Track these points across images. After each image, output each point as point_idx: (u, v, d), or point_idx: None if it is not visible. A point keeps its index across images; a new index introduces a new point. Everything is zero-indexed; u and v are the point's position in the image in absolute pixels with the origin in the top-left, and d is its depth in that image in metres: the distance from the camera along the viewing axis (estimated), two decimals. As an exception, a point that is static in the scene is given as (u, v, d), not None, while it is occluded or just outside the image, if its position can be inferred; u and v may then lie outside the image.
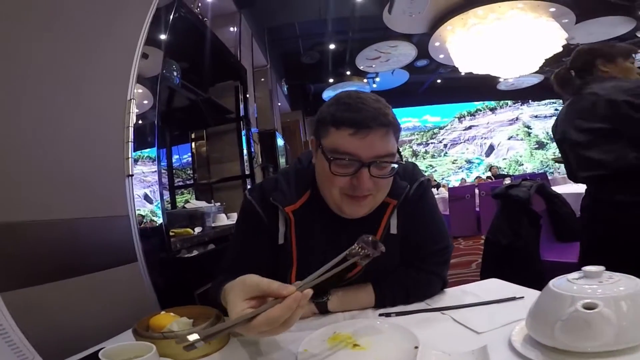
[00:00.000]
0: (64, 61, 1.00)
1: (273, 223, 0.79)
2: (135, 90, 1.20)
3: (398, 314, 0.72)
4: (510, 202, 2.07)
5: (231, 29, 3.80)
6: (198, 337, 0.46)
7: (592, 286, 0.46)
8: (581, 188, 3.00)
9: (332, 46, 6.69)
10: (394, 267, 0.80)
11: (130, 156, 1.05)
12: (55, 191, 0.87)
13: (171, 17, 1.58)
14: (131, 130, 1.11)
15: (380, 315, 0.72)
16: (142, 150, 1.28)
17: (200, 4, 3.00)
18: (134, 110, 1.16)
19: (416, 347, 0.51)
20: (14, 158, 0.81)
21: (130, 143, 1.08)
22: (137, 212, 1.20)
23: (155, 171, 1.27)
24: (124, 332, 0.72)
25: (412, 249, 0.80)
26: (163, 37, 1.48)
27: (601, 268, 0.49)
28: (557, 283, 0.49)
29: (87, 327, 0.75)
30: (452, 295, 0.81)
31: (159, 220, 1.23)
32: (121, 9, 1.29)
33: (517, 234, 1.97)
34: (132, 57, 1.23)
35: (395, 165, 0.71)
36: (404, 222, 0.79)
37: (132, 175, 1.04)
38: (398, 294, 0.77)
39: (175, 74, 2.22)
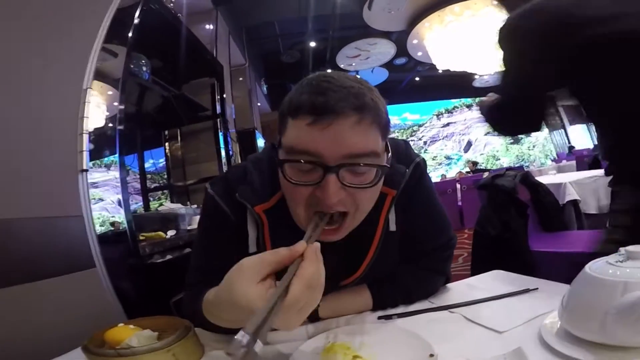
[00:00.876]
0: (15, 52, 0.89)
1: (242, 225, 0.63)
2: (93, 81, 1.08)
3: (400, 315, 0.62)
4: (496, 192, 2.04)
5: (207, 26, 3.66)
6: (248, 337, 0.31)
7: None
8: (559, 178, 3.03)
9: (312, 44, 6.62)
10: (395, 268, 0.68)
11: (84, 149, 0.92)
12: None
13: (139, 9, 1.47)
14: (86, 121, 0.97)
15: (380, 318, 0.62)
16: (104, 149, 1.15)
17: (173, 0, 2.89)
18: (89, 100, 1.03)
19: (432, 356, 0.42)
20: None
21: (85, 135, 0.94)
22: (113, 218, 1.08)
23: (117, 169, 1.13)
24: (75, 349, 0.59)
25: (411, 244, 0.67)
26: (128, 29, 1.36)
27: (645, 247, 0.41)
28: (595, 268, 0.41)
29: (27, 343, 0.63)
30: (458, 290, 0.72)
31: (123, 221, 1.10)
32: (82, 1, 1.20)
33: (505, 225, 1.93)
34: (90, 48, 1.12)
35: (380, 168, 0.51)
36: (403, 214, 0.65)
37: (86, 170, 0.90)
38: (399, 294, 0.66)
39: (144, 69, 2.09)
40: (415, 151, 0.69)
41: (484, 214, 2.05)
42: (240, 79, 5.07)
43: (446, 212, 0.73)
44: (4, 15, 0.86)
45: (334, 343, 0.50)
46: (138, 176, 2.45)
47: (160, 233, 1.52)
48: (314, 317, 0.64)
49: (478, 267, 2.02)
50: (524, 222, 1.91)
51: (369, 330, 0.54)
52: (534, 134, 11.20)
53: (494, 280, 0.75)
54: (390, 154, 0.56)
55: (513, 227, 1.89)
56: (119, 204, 1.17)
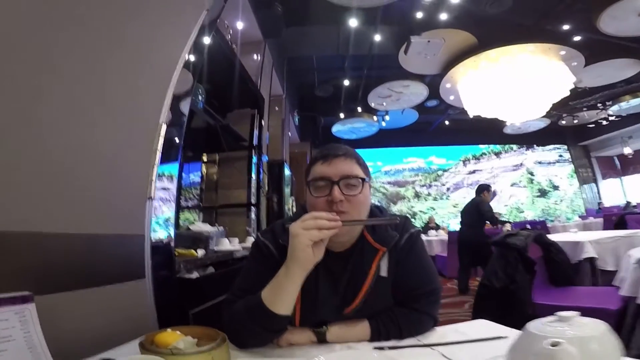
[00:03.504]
0: (102, 78, 1.01)
1: (283, 261, 0.82)
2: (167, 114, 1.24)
3: (391, 347, 0.78)
4: (507, 250, 2.14)
5: (255, 57, 3.83)
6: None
7: (562, 328, 0.52)
8: (578, 236, 3.00)
9: (346, 82, 6.76)
10: (388, 308, 0.87)
11: (154, 179, 1.13)
12: (78, 206, 0.90)
13: (207, 42, 1.62)
14: (158, 154, 1.18)
15: (375, 348, 0.78)
16: (163, 167, 1.27)
17: (231, 31, 3.06)
18: (163, 134, 1.21)
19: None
20: (39, 171, 0.82)
21: (156, 166, 1.15)
22: (155, 234, 1.22)
23: (174, 196, 1.32)
24: (124, 344, 0.75)
25: (406, 291, 0.88)
26: (196, 60, 1.50)
27: (575, 313, 0.55)
28: (534, 325, 0.55)
29: (88, 337, 0.78)
30: (443, 333, 0.86)
31: (169, 240, 1.27)
32: (164, 33, 1.34)
33: (512, 279, 2.02)
34: (169, 80, 1.28)
35: (361, 192, 0.84)
36: (395, 267, 0.88)
37: (153, 198, 1.12)
38: (392, 329, 0.84)
39: (200, 97, 2.23)
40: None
41: (491, 268, 2.13)
42: (276, 108, 5.21)
43: (435, 268, 0.95)
44: (97, 45, 0.98)
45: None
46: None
47: (193, 251, 1.69)
48: (322, 339, 0.83)
49: (479, 315, 2.08)
50: (530, 278, 1.98)
51: (363, 357, 0.69)
52: (562, 188, 10.72)
53: (476, 328, 0.88)
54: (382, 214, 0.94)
55: (518, 280, 1.97)
56: (167, 221, 1.34)
